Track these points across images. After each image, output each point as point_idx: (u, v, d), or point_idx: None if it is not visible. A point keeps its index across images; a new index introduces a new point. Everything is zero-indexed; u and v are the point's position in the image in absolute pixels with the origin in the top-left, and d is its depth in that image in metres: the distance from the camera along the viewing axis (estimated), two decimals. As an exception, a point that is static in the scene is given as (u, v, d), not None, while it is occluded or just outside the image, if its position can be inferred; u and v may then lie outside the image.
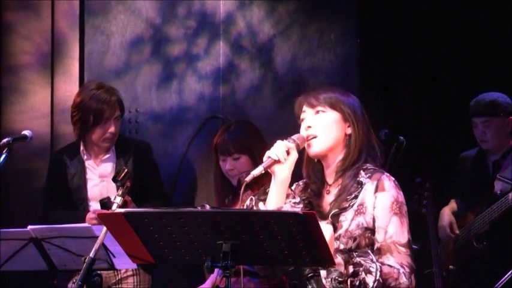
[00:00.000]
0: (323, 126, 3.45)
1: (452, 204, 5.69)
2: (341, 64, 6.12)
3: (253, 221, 2.99)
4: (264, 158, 3.42)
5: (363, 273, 3.24)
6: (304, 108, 3.52)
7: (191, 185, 6.04)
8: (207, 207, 3.08)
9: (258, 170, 3.38)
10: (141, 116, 5.98)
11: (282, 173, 3.41)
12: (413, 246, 3.42)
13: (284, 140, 3.43)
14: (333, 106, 3.47)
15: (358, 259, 3.27)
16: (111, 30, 6.00)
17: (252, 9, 6.11)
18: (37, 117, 5.93)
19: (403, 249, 3.33)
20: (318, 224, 2.99)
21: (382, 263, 3.29)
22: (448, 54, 6.23)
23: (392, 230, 3.33)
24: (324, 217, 3.41)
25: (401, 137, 5.26)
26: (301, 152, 3.49)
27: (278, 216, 3.04)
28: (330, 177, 3.50)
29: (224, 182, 4.95)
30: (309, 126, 3.47)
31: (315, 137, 3.45)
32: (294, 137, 3.46)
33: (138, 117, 5.94)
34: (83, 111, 5.11)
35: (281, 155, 3.39)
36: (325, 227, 3.23)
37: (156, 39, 6.05)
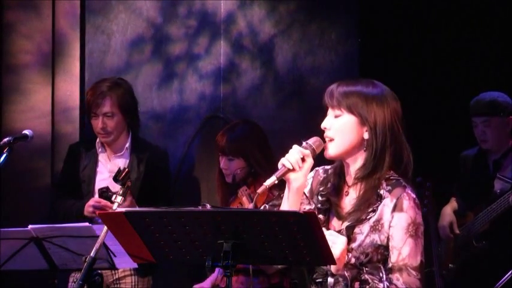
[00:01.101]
0: (338, 130, 3.31)
1: (453, 203, 5.69)
2: (342, 63, 6.12)
3: (254, 220, 2.98)
4: (279, 166, 3.27)
5: None
6: (328, 104, 3.37)
7: (192, 185, 6.04)
8: (208, 206, 3.06)
9: (271, 180, 3.24)
10: (142, 115, 5.95)
11: (297, 181, 3.29)
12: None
13: (300, 146, 3.29)
14: (351, 109, 3.31)
15: (366, 276, 3.25)
16: (111, 30, 5.99)
17: (252, 8, 6.11)
18: (38, 116, 5.92)
19: (413, 272, 3.26)
20: (319, 223, 2.97)
21: (391, 281, 3.25)
22: (449, 53, 6.23)
23: (406, 252, 3.25)
24: (341, 218, 3.34)
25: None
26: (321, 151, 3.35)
27: (279, 215, 3.03)
28: (349, 178, 3.38)
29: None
30: (326, 128, 3.34)
31: (331, 140, 3.32)
32: (310, 141, 3.32)
33: (139, 116, 5.93)
34: (84, 101, 5.21)
35: (295, 163, 3.26)
36: (339, 240, 3.18)
37: (157, 39, 6.05)
